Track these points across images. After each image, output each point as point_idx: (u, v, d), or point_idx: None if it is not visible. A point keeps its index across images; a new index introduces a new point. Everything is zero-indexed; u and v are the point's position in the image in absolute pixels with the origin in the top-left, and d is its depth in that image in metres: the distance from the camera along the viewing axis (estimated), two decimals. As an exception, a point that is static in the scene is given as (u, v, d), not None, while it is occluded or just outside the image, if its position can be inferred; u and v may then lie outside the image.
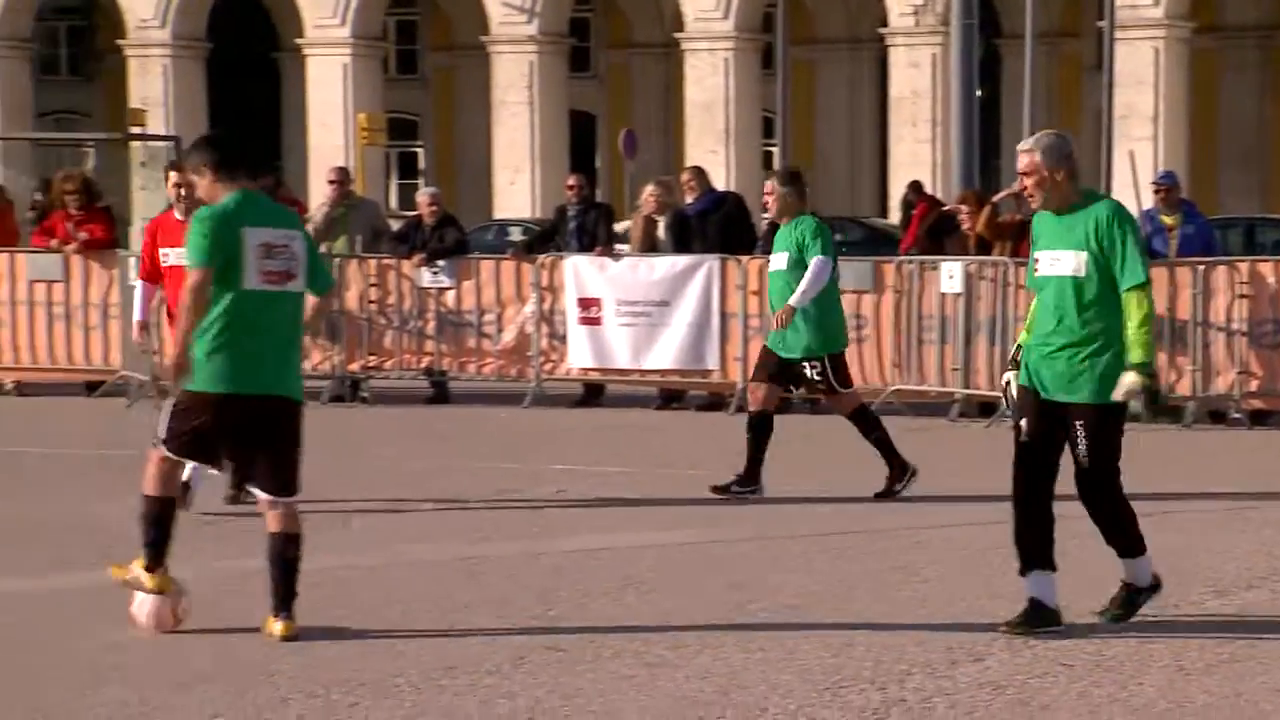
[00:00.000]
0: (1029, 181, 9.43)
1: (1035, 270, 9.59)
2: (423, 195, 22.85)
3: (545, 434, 18.66)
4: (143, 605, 9.50)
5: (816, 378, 14.45)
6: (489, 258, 22.62)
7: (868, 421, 14.52)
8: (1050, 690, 8.50)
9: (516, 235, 38.74)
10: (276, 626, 9.41)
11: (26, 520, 13.23)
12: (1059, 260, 9.40)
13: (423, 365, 21.36)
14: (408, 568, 11.89)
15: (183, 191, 12.71)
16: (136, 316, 13.63)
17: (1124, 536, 9.67)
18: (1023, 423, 9.56)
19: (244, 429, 9.54)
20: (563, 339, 20.62)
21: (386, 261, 21.31)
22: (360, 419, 19.87)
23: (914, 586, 11.06)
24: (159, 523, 9.57)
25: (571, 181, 22.27)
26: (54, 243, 21.15)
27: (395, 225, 24.61)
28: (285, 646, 9.32)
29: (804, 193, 14.85)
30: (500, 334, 20.87)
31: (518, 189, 53.14)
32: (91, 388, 21.61)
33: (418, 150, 63.09)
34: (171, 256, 12.60)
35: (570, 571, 11.74)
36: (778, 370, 14.58)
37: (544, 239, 22.18)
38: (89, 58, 62.13)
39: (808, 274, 14.07)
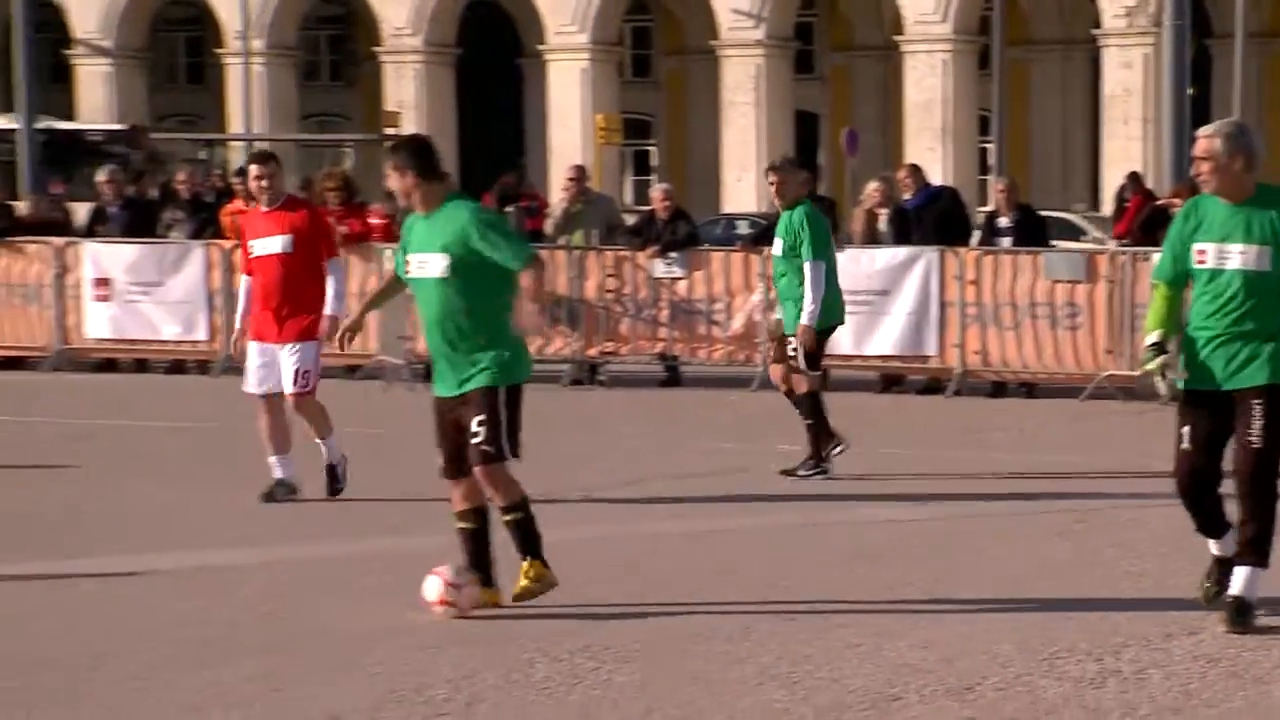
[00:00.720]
0: (1204, 166, 8.97)
1: (1197, 260, 8.97)
2: (656, 191, 22.87)
3: (772, 416, 18.54)
4: (432, 588, 9.46)
5: (791, 353, 14.30)
6: (718, 250, 22.67)
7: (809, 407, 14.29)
8: (1263, 664, 8.32)
9: (744, 229, 38.66)
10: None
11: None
12: (1237, 253, 8.84)
13: (656, 351, 21.45)
14: (644, 540, 11.91)
15: (264, 184, 12.68)
16: (239, 312, 13.33)
17: (1262, 524, 8.91)
18: (1185, 431, 9.01)
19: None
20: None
21: (623, 254, 21.43)
22: (597, 401, 19.95)
23: (1130, 562, 10.89)
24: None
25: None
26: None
27: (630, 220, 24.71)
28: (533, 613, 9.38)
29: (803, 179, 14.98)
30: (729, 321, 20.86)
31: (744, 185, 53.10)
32: (351, 371, 21.87)
33: (651, 149, 63.21)
34: (257, 247, 12.66)
35: (799, 545, 11.72)
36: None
37: (771, 231, 22.13)
38: (348, 64, 62.93)
39: (807, 284, 13.94)
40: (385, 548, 11.43)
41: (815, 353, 14.29)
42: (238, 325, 13.24)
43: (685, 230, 21.53)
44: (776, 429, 17.22)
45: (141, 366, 22.72)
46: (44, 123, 36.68)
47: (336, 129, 61.69)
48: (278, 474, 12.86)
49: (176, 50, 63.11)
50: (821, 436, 14.26)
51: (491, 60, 58.55)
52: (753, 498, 13.53)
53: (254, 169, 12.84)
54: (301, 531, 11.95)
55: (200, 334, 21.91)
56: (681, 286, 21.09)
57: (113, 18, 56.16)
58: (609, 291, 21.23)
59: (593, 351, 21.40)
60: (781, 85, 54.53)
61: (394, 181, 9.59)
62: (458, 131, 55.29)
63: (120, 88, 56.19)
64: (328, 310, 12.73)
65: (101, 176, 23.79)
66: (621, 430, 17.04)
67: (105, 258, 22.06)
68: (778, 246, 14.43)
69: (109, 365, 22.78)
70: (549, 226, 22.48)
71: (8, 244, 22.77)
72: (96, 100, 55.60)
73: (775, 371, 14.96)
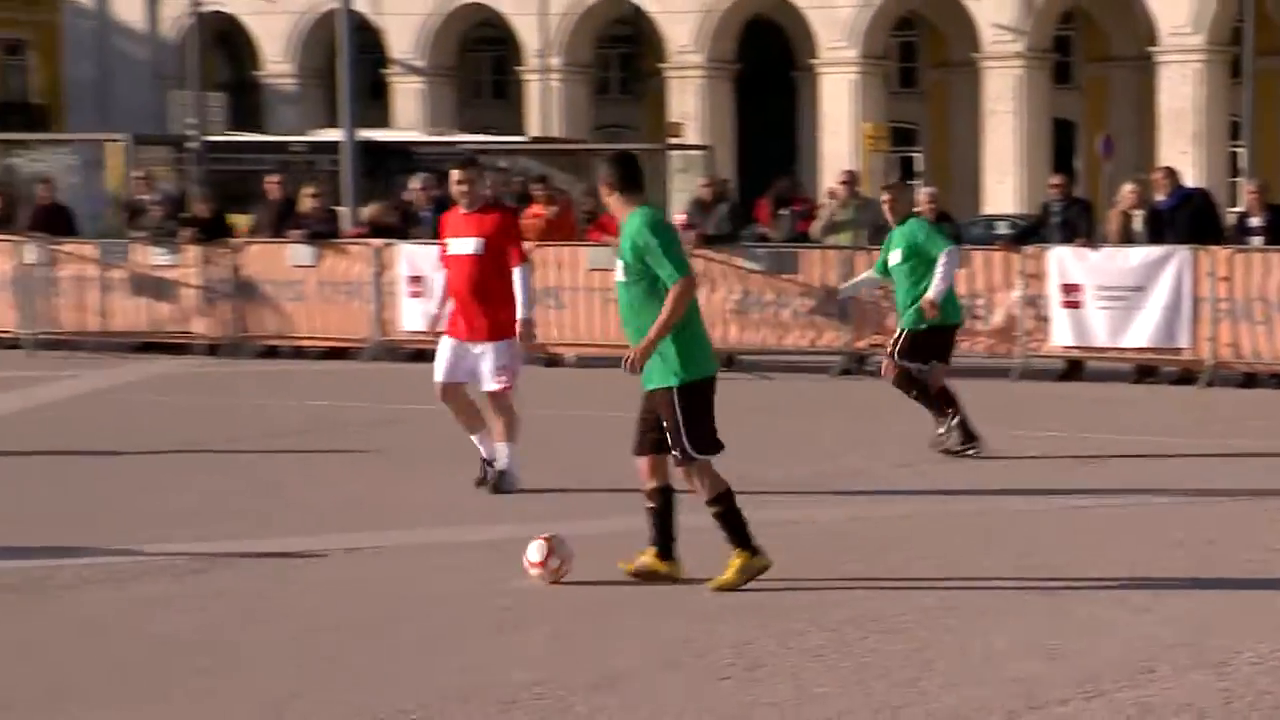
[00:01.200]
0: None
1: None
2: (922, 194, 22.71)
3: (1031, 403, 18.38)
4: (534, 551, 9.51)
5: (897, 335, 14.62)
6: (980, 248, 22.43)
7: (911, 385, 14.57)
8: None
9: (1003, 229, 38.19)
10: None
11: (572, 473, 13.46)
12: None
13: (922, 343, 21.30)
14: (906, 518, 11.81)
15: (464, 189, 12.49)
16: (433, 306, 13.24)
17: None
18: None
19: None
20: (1046, 320, 20.35)
21: (890, 253, 21.30)
22: (866, 390, 19.79)
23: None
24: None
25: (1055, 180, 22.07)
26: (607, 239, 21.64)
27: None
28: (804, 586, 9.35)
29: (911, 199, 15.35)
30: (990, 315, 20.66)
31: (1004, 188, 52.58)
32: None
33: (915, 155, 62.70)
34: (452, 246, 12.55)
35: (1052, 523, 11.54)
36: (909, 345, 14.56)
37: (1029, 232, 22.08)
38: (636, 79, 63.27)
39: (938, 269, 14.13)
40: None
41: (918, 346, 14.46)
42: (433, 311, 13.16)
43: (948, 231, 21.36)
44: (1036, 416, 17.02)
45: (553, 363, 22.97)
46: (363, 135, 37.40)
47: (625, 139, 61.98)
48: (484, 453, 12.69)
49: (482, 68, 63.93)
50: (940, 405, 14.49)
51: (767, 74, 58.50)
52: (1010, 479, 13.35)
53: (456, 174, 12.66)
54: (574, 510, 11.97)
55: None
56: (946, 283, 20.93)
57: (425, 39, 57.11)
58: (879, 288, 21.09)
59: (861, 344, 21.27)
60: (1040, 94, 53.84)
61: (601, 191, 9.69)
62: (736, 140, 55.45)
63: (431, 102, 57.09)
64: (520, 314, 12.54)
65: (415, 184, 24.16)
66: (889, 417, 16.86)
67: (418, 257, 22.40)
68: (896, 256, 14.53)
69: (420, 356, 23.13)
70: (817, 229, 22.42)
71: (333, 245, 23.25)
72: (410, 114, 56.52)
73: (889, 366, 14.94)
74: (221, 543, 10.74)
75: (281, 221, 23.83)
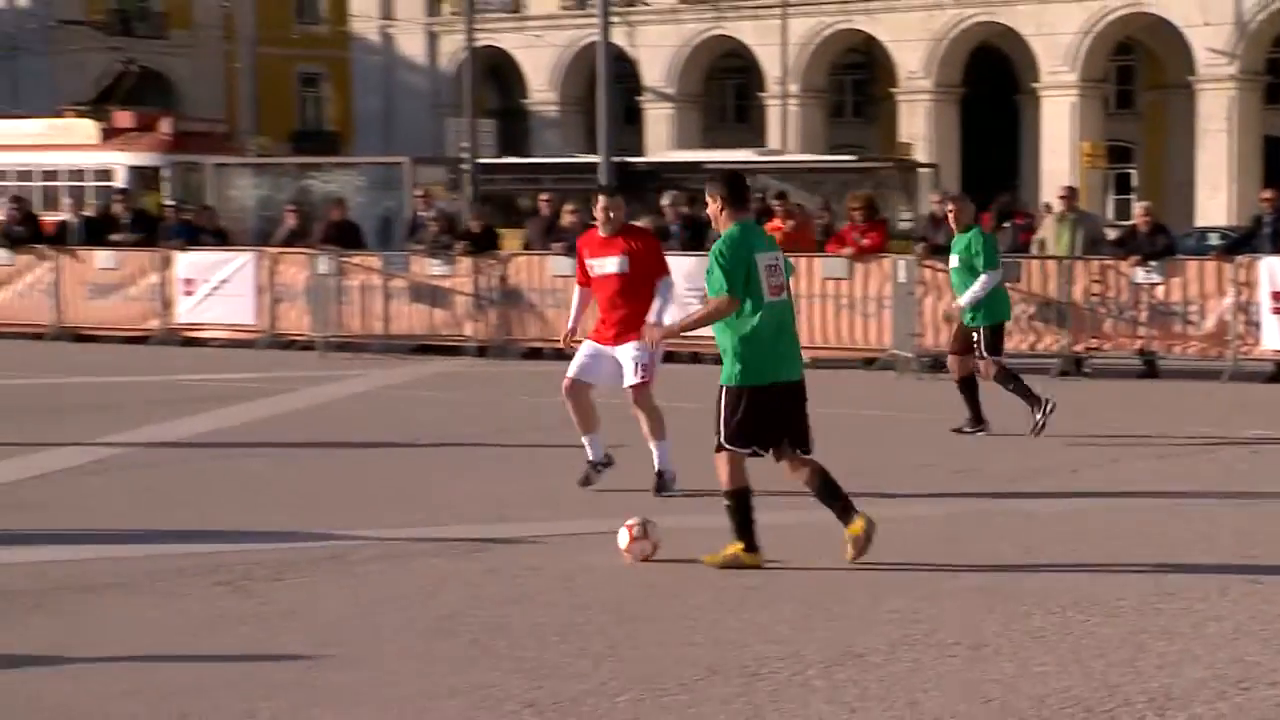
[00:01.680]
0: None
1: None
2: (1138, 208, 22.56)
3: (1242, 404, 17.96)
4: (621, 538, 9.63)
5: (975, 339, 15.08)
6: (1193, 259, 22.10)
7: (1009, 378, 15.13)
8: None
9: (1215, 240, 37.31)
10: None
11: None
12: None
13: (1136, 347, 21.05)
14: (1123, 509, 11.59)
15: (609, 214, 12.31)
16: (571, 317, 13.02)
17: None
18: None
19: (784, 408, 9.54)
20: (1257, 325, 19.95)
21: (1107, 262, 21.12)
22: (1084, 390, 19.50)
23: None
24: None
25: (1267, 194, 21.61)
26: (845, 251, 21.63)
27: (1111, 234, 24.27)
28: (1031, 569, 9.23)
29: (973, 210, 15.84)
30: (1202, 321, 20.31)
31: (1216, 202, 51.45)
32: (868, 363, 21.89)
33: (1131, 171, 61.46)
34: (596, 268, 12.36)
35: (1266, 516, 11.24)
36: (964, 341, 15.28)
37: (1241, 242, 21.68)
38: (868, 102, 62.90)
39: (977, 283, 14.91)
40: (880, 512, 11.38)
41: (995, 342, 15.20)
42: (569, 326, 13.05)
43: (1163, 242, 21.22)
44: (1245, 415, 16.61)
45: (695, 359, 23.06)
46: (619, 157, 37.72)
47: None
48: (590, 455, 12.51)
49: (726, 94, 64.00)
50: (1029, 395, 14.94)
51: (991, 97, 57.80)
52: (1225, 473, 13.06)
53: (602, 199, 12.52)
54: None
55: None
56: (1159, 290, 20.63)
57: (675, 69, 57.35)
58: (1094, 295, 20.87)
59: (1079, 347, 21.02)
60: (1252, 114, 52.58)
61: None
62: (960, 158, 54.90)
63: (679, 126, 57.33)
64: (651, 318, 12.21)
65: (665, 201, 24.32)
66: (1105, 415, 16.57)
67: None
68: (955, 261, 15.25)
69: (670, 357, 23.17)
70: (1038, 241, 22.26)
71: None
72: (660, 137, 56.81)
73: (953, 361, 15.50)
74: (492, 526, 10.87)
75: (547, 235, 24.15)
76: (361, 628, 8.26)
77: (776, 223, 23.19)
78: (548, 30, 57.75)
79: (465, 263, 23.89)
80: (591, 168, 36.61)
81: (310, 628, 8.26)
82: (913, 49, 54.61)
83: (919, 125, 54.81)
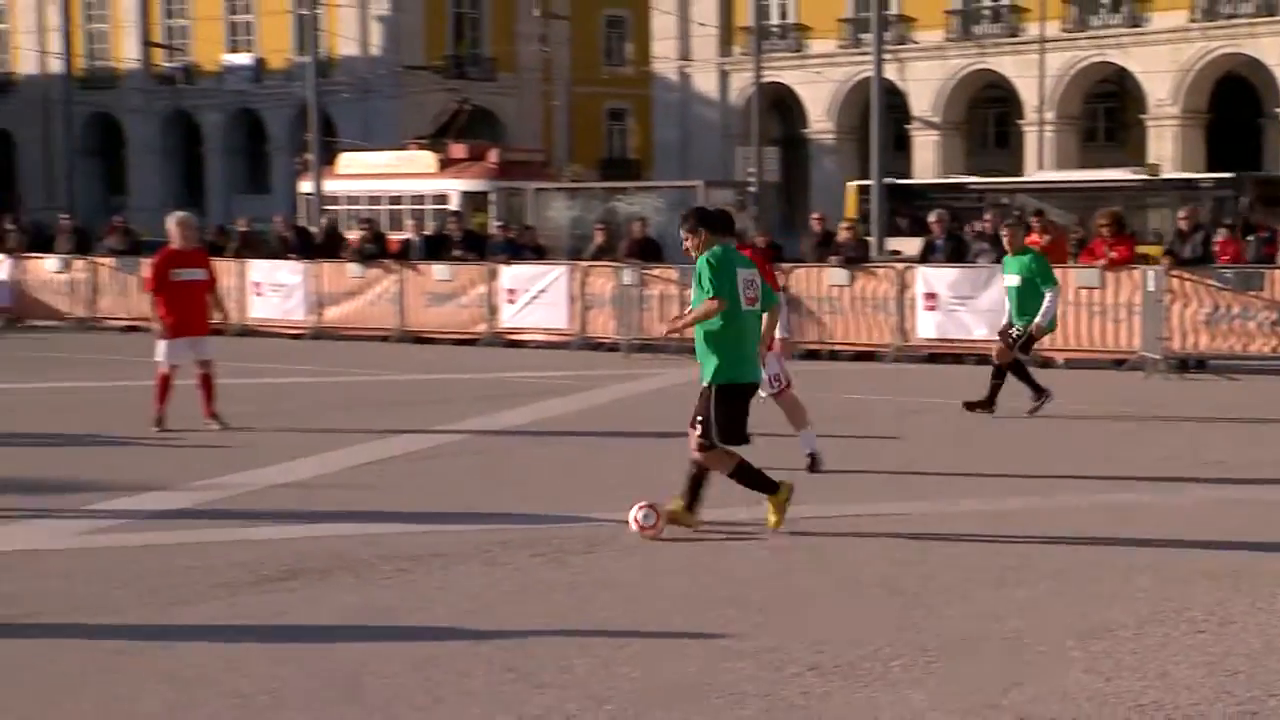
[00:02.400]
0: None
1: None
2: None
3: None
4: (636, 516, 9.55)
5: (1015, 336, 15.63)
6: None
7: (1003, 376, 15.68)
8: None
9: None
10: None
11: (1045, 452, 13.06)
12: None
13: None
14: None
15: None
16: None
17: None
18: None
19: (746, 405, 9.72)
20: None
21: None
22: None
23: None
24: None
25: None
26: (1100, 263, 21.12)
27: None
28: (1273, 552, 8.84)
29: (1024, 234, 16.65)
30: None
31: None
32: (1118, 364, 21.32)
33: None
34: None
35: None
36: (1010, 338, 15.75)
37: None
38: (1119, 128, 61.19)
39: (1045, 301, 15.50)
40: (1124, 501, 11.01)
41: (1028, 344, 15.81)
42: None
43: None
44: None
45: (958, 360, 22.71)
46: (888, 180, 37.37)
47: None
48: (810, 448, 12.47)
49: (987, 122, 62.82)
50: (1032, 385, 15.68)
51: (1235, 121, 55.77)
52: None
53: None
54: (1025, 488, 11.59)
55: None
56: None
57: (941, 99, 56.57)
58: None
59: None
60: None
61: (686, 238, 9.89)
62: (1207, 179, 53.15)
63: (944, 151, 56.57)
64: (779, 334, 12.29)
65: (932, 218, 24.02)
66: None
67: (933, 278, 22.20)
68: (1013, 280, 15.74)
69: (935, 359, 22.89)
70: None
71: (864, 268, 23.28)
72: (926, 161, 56.14)
73: (996, 348, 15.99)
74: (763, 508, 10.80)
75: (822, 249, 24.16)
76: (656, 595, 8.27)
77: (1034, 238, 22.72)
78: (826, 67, 57.49)
79: (752, 274, 23.82)
80: (867, 190, 36.33)
81: (615, 595, 8.31)
82: (1161, 79, 53.05)
83: (1166, 148, 53.15)
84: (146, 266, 15.95)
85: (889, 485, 11.88)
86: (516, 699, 6.44)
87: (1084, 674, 6.68)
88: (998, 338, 16.25)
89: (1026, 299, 15.65)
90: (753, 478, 9.73)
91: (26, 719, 6.22)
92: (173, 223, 15.30)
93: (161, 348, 14.81)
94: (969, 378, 16.92)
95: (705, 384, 9.69)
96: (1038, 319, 15.54)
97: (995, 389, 15.78)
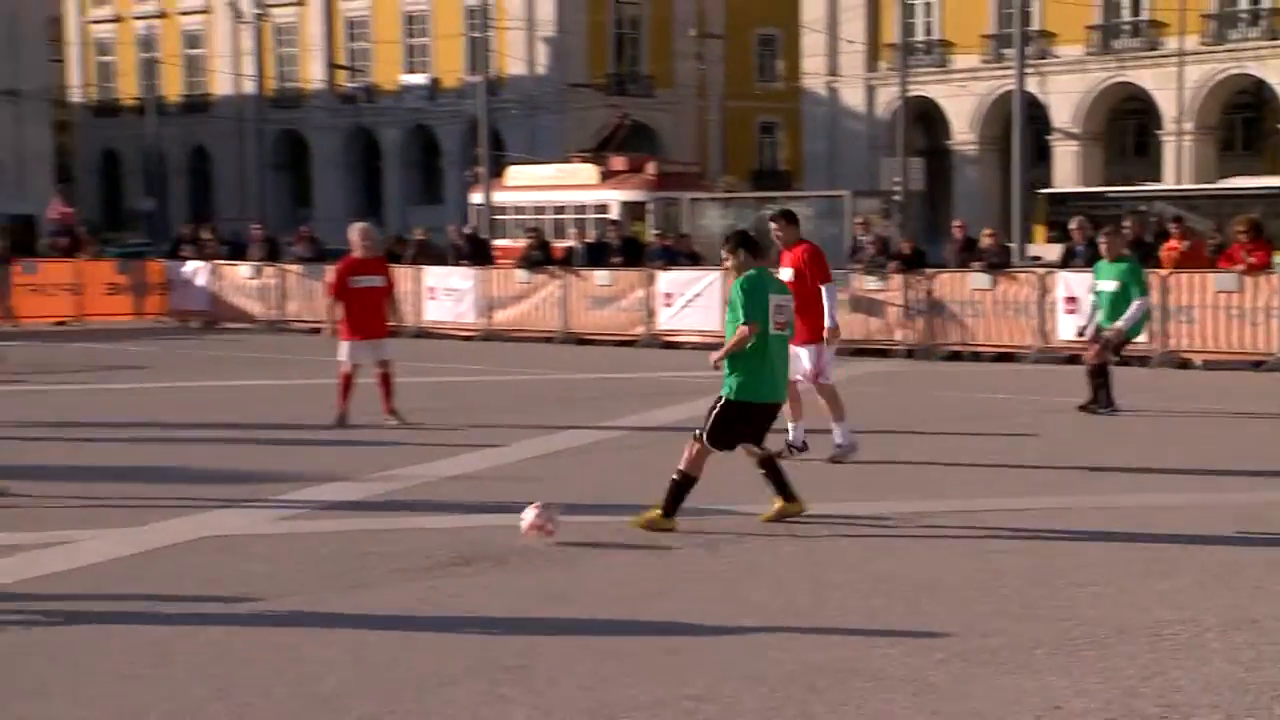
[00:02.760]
0: None
1: None
2: None
3: None
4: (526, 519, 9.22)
5: (1107, 339, 15.56)
6: None
7: (1103, 374, 15.66)
8: None
9: None
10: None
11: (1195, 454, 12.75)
12: None
13: None
14: None
15: (779, 235, 12.60)
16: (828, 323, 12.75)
17: None
18: None
19: (759, 422, 9.71)
20: None
21: None
22: None
23: None
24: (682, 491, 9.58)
25: None
26: (1238, 268, 20.61)
27: None
28: None
29: (1122, 244, 16.25)
30: None
31: None
32: (1256, 365, 20.77)
33: None
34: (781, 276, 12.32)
35: None
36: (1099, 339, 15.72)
37: None
38: (1256, 137, 59.69)
39: (1131, 309, 15.40)
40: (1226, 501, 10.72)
41: (1119, 347, 15.82)
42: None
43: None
44: None
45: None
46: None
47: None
48: (838, 440, 12.42)
49: (1126, 132, 61.59)
50: (1104, 393, 15.59)
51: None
52: None
53: (774, 225, 12.72)
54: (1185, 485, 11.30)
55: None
56: None
57: (1081, 111, 55.58)
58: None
59: None
60: None
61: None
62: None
63: (1084, 161, 55.60)
64: (828, 323, 12.53)
65: (1072, 224, 23.65)
66: None
67: (1074, 282, 21.84)
68: (1109, 285, 15.61)
69: (1075, 360, 22.48)
70: None
71: (1006, 273, 23.03)
72: (1067, 170, 55.24)
73: (1090, 350, 15.94)
74: (915, 501, 10.69)
75: (965, 255, 23.94)
76: (805, 583, 8.22)
77: (1173, 244, 22.28)
78: (969, 81, 56.80)
79: (896, 279, 23.69)
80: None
81: (766, 582, 8.29)
82: (1300, 90, 51.73)
83: (1296, 156, 51.82)
84: (330, 273, 16.23)
85: (1029, 480, 11.70)
86: (677, 679, 6.44)
87: (1225, 664, 6.52)
88: (1088, 341, 16.13)
89: (1120, 305, 15.53)
90: (677, 495, 9.51)
91: (222, 691, 6.36)
92: (354, 232, 15.56)
93: (344, 349, 15.07)
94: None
95: (721, 394, 9.65)
96: (1119, 323, 15.42)
97: (1098, 387, 15.69)
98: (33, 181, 60.36)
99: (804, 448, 12.50)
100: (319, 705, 6.13)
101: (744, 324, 9.54)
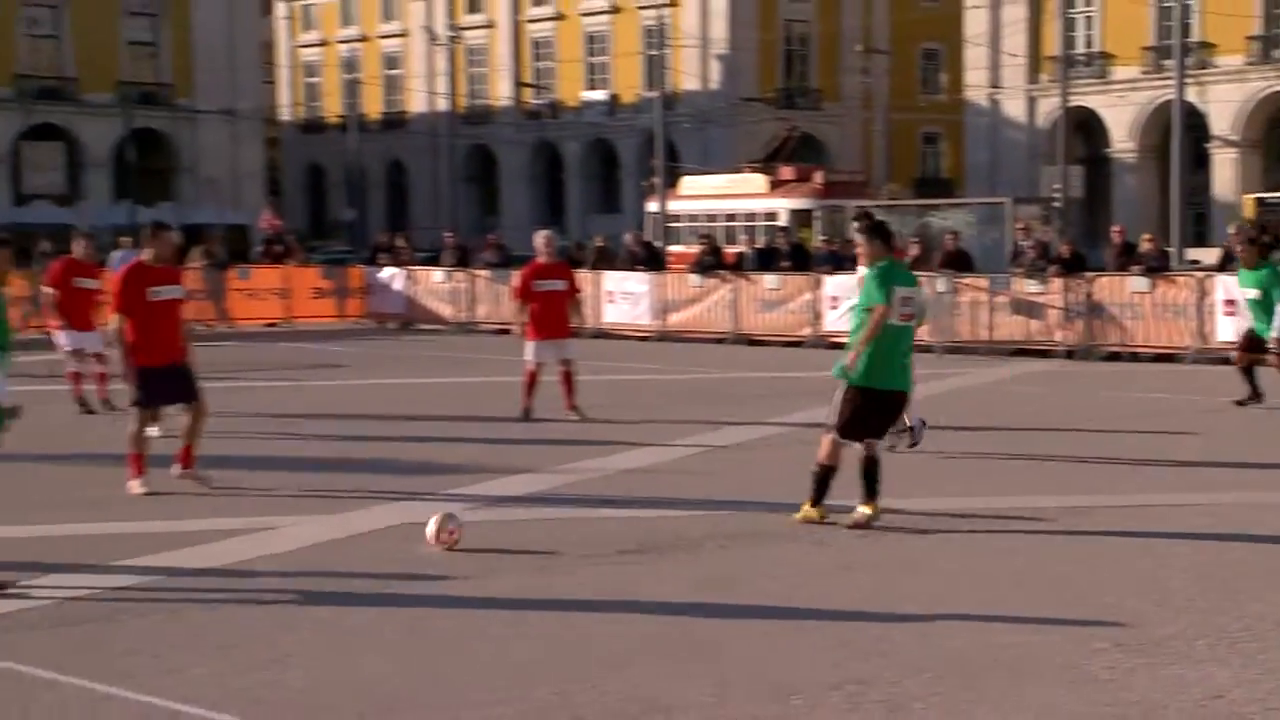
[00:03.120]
0: None
1: None
2: None
3: None
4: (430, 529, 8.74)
5: (1271, 348, 15.29)
6: None
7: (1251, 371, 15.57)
8: None
9: None
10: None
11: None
12: None
13: None
14: None
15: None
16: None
17: None
18: None
19: (885, 411, 9.42)
20: None
21: None
22: None
23: None
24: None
25: None
26: None
27: None
28: None
29: (1256, 252, 15.77)
30: None
31: None
32: None
33: None
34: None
35: None
36: (1251, 344, 15.70)
37: None
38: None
39: (1277, 314, 14.98)
40: None
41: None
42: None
43: None
44: None
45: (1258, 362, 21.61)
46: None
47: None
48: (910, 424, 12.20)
49: (1285, 140, 59.74)
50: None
51: None
52: None
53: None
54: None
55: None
56: None
57: (1240, 119, 53.92)
58: None
59: None
60: None
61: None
62: None
63: (1243, 168, 53.93)
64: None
65: (1231, 229, 23.00)
66: None
67: (1232, 285, 21.18)
68: (1252, 293, 15.49)
69: (1227, 361, 21.83)
70: None
71: (1165, 276, 22.57)
72: (1225, 178, 53.66)
73: (1240, 356, 16.00)
74: (1076, 496, 10.46)
75: (1124, 259, 23.50)
76: (964, 575, 8.09)
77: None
78: (1129, 91, 55.49)
79: (1056, 282, 23.27)
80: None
81: (926, 574, 8.18)
82: None
83: None
84: (516, 277, 16.42)
85: (1189, 477, 11.38)
86: (843, 664, 6.39)
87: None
88: (1239, 341, 16.34)
89: (1266, 310, 15.42)
90: (821, 487, 9.38)
91: (420, 667, 6.46)
92: (539, 239, 15.72)
93: (529, 348, 15.22)
94: (1269, 378, 16.09)
95: (847, 382, 9.32)
96: (1273, 332, 15.19)
97: (1253, 382, 15.73)
98: (246, 194, 62.18)
99: (917, 436, 12.31)
100: (511, 680, 6.20)
101: (875, 306, 9.24)
